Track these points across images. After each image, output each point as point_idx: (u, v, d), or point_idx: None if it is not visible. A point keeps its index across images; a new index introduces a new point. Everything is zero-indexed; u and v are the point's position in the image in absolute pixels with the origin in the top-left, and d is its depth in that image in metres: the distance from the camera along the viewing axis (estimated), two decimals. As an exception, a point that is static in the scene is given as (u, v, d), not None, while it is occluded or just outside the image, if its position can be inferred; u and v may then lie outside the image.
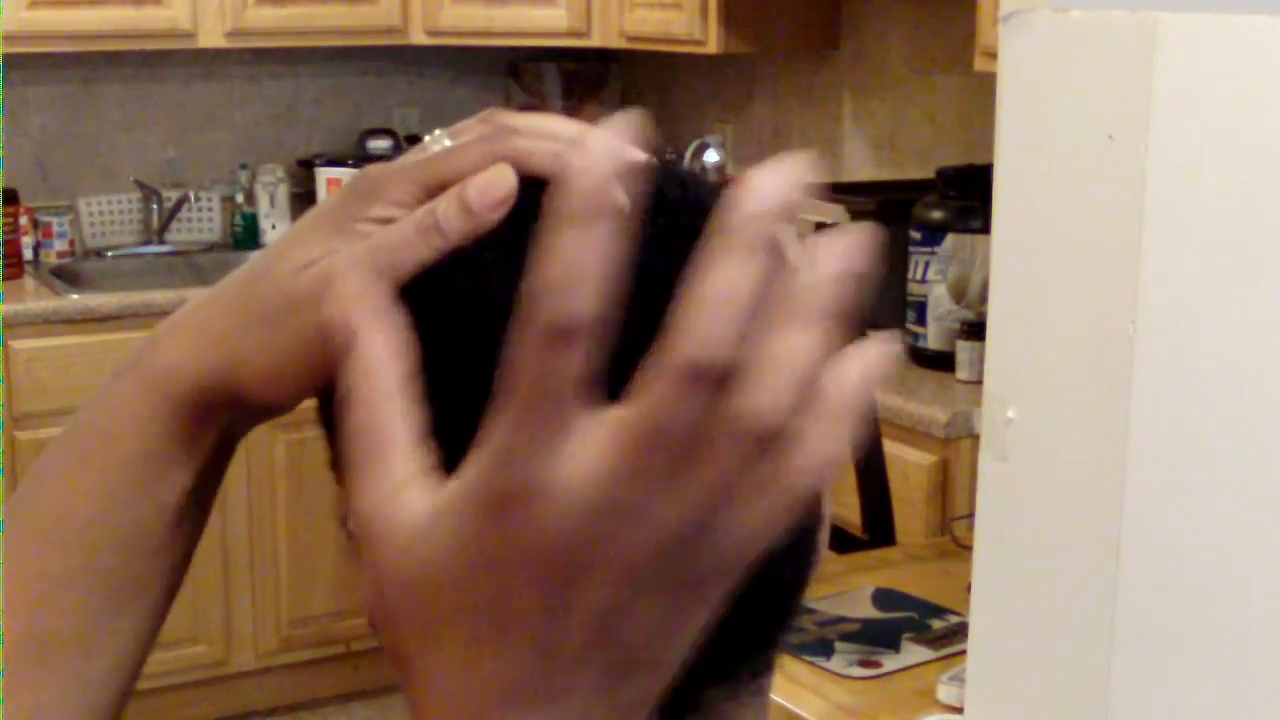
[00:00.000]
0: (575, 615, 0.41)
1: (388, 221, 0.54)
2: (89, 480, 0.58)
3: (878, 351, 0.43)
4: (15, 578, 0.57)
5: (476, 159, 0.54)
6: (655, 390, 0.39)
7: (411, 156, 0.57)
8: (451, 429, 0.47)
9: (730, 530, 0.41)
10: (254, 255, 0.58)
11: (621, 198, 0.39)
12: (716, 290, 0.39)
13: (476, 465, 0.41)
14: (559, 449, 0.39)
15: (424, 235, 0.52)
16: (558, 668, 0.41)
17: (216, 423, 0.57)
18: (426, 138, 0.59)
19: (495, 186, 0.52)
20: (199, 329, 0.57)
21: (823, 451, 0.40)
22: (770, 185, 0.41)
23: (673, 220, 0.53)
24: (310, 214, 0.57)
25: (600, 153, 0.39)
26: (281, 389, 0.55)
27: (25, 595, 0.57)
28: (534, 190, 0.54)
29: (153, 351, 0.58)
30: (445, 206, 0.52)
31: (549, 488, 0.39)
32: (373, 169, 0.56)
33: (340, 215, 0.55)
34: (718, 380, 0.39)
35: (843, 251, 0.42)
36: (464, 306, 0.52)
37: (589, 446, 0.39)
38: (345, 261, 0.53)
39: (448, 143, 0.57)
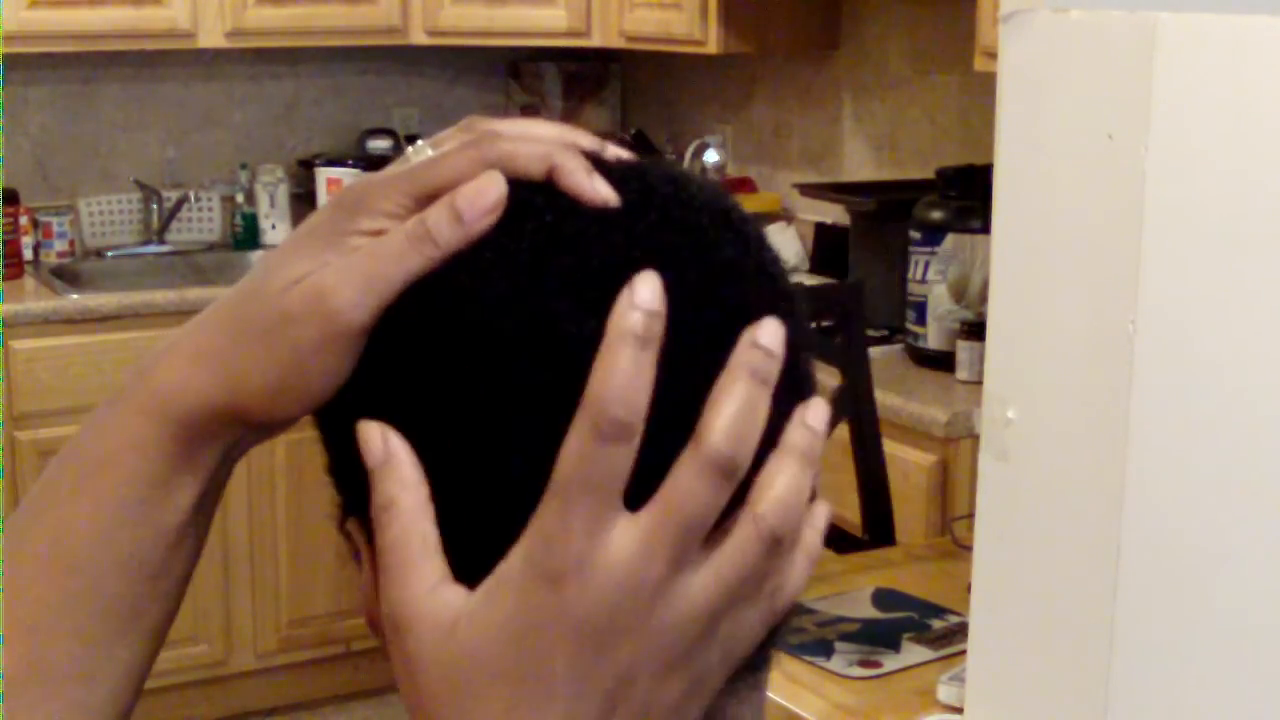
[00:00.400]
0: (602, 680, 0.49)
1: (377, 233, 0.54)
2: (88, 505, 0.57)
3: (824, 514, 0.55)
4: (14, 604, 0.57)
5: (463, 165, 0.54)
6: (684, 483, 0.48)
7: (396, 168, 0.57)
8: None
9: (738, 623, 0.51)
10: (249, 272, 0.58)
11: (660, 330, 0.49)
12: (733, 405, 0.49)
13: (524, 549, 0.49)
14: (601, 532, 0.48)
15: (416, 245, 0.52)
16: None
17: (216, 444, 0.57)
18: (409, 149, 0.59)
19: (485, 194, 0.52)
20: (195, 351, 0.56)
21: (802, 580, 0.52)
22: (765, 336, 0.50)
23: (664, 215, 0.53)
24: (300, 229, 0.57)
25: (648, 291, 0.48)
26: (280, 405, 0.55)
27: (25, 622, 0.57)
28: (521, 192, 0.54)
29: (150, 375, 0.57)
30: (436, 216, 0.52)
31: (594, 565, 0.48)
32: (358, 182, 0.56)
33: (329, 229, 0.55)
34: (735, 471, 0.49)
35: (816, 414, 0.53)
36: (465, 306, 0.52)
37: (628, 533, 0.48)
38: (336, 275, 0.53)
39: (430, 152, 0.57)
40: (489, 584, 0.49)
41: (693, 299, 0.51)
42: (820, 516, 0.53)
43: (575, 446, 0.47)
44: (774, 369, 0.50)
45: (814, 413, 0.53)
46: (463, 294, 0.52)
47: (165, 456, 0.57)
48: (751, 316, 0.52)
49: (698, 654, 0.50)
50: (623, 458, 0.48)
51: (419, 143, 0.59)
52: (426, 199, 0.54)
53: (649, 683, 0.49)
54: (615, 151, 0.56)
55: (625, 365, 0.47)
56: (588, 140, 0.56)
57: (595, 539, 0.48)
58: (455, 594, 0.50)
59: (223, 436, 0.57)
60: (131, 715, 0.60)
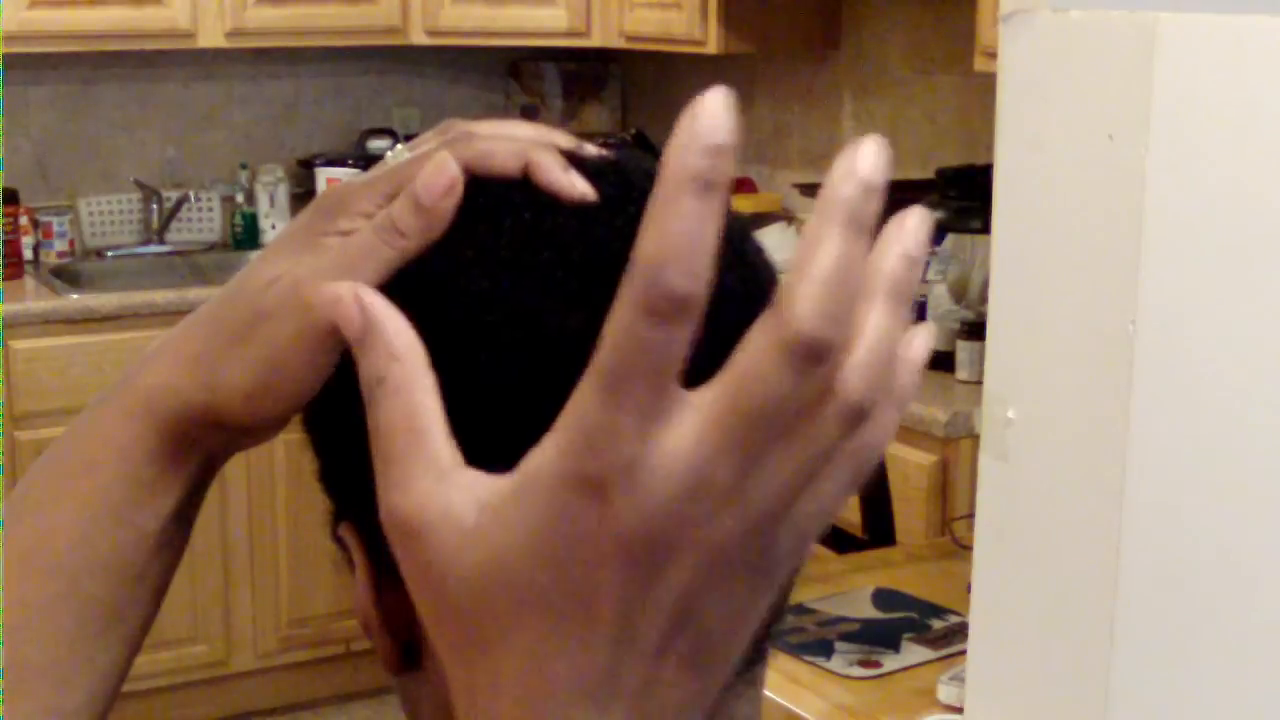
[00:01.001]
0: (659, 605, 0.40)
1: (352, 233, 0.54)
2: (71, 507, 0.57)
3: (925, 338, 0.44)
4: None
5: (438, 164, 0.54)
6: (761, 365, 0.38)
7: (374, 171, 0.57)
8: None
9: (809, 507, 0.41)
10: (234, 276, 0.58)
11: (731, 168, 0.38)
12: (825, 267, 0.38)
13: (560, 445, 0.39)
14: (655, 429, 0.38)
15: (383, 236, 0.52)
16: (637, 660, 0.40)
17: (198, 448, 0.57)
18: (388, 154, 0.59)
19: (440, 176, 0.52)
20: (177, 354, 0.57)
21: (890, 430, 0.42)
22: (866, 164, 0.40)
23: (643, 209, 0.53)
24: (281, 233, 0.57)
25: (711, 120, 0.39)
26: (260, 405, 0.55)
27: (4, 622, 0.57)
28: (499, 189, 0.54)
29: (134, 378, 0.57)
30: (398, 206, 0.52)
31: (644, 470, 0.38)
32: (337, 186, 0.56)
33: (307, 232, 0.55)
34: (825, 357, 0.38)
35: (912, 234, 0.42)
36: (448, 303, 0.52)
37: (687, 426, 0.38)
38: (309, 271, 0.53)
39: (408, 156, 0.57)
40: (518, 477, 0.40)
41: None
42: (919, 350, 0.43)
43: (624, 323, 0.38)
44: (874, 211, 0.40)
45: (912, 229, 0.42)
46: (443, 292, 0.52)
47: (149, 460, 0.57)
48: (730, 302, 0.52)
49: (770, 550, 0.41)
50: (682, 336, 0.38)
51: (398, 147, 0.59)
52: None
53: (713, 596, 0.40)
54: (592, 150, 0.56)
55: (684, 220, 0.38)
56: (564, 139, 0.56)
57: (648, 435, 0.38)
58: (474, 479, 0.42)
59: (205, 441, 0.57)
60: (107, 718, 0.60)
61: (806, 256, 0.38)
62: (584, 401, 0.39)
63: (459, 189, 0.52)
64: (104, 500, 0.57)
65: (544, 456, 0.40)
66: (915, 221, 0.42)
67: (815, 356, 0.38)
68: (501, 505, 0.41)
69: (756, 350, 0.38)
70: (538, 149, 0.54)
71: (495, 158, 0.54)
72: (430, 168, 0.52)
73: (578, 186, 0.53)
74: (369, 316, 0.44)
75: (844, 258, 0.38)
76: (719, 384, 0.39)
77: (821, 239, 0.38)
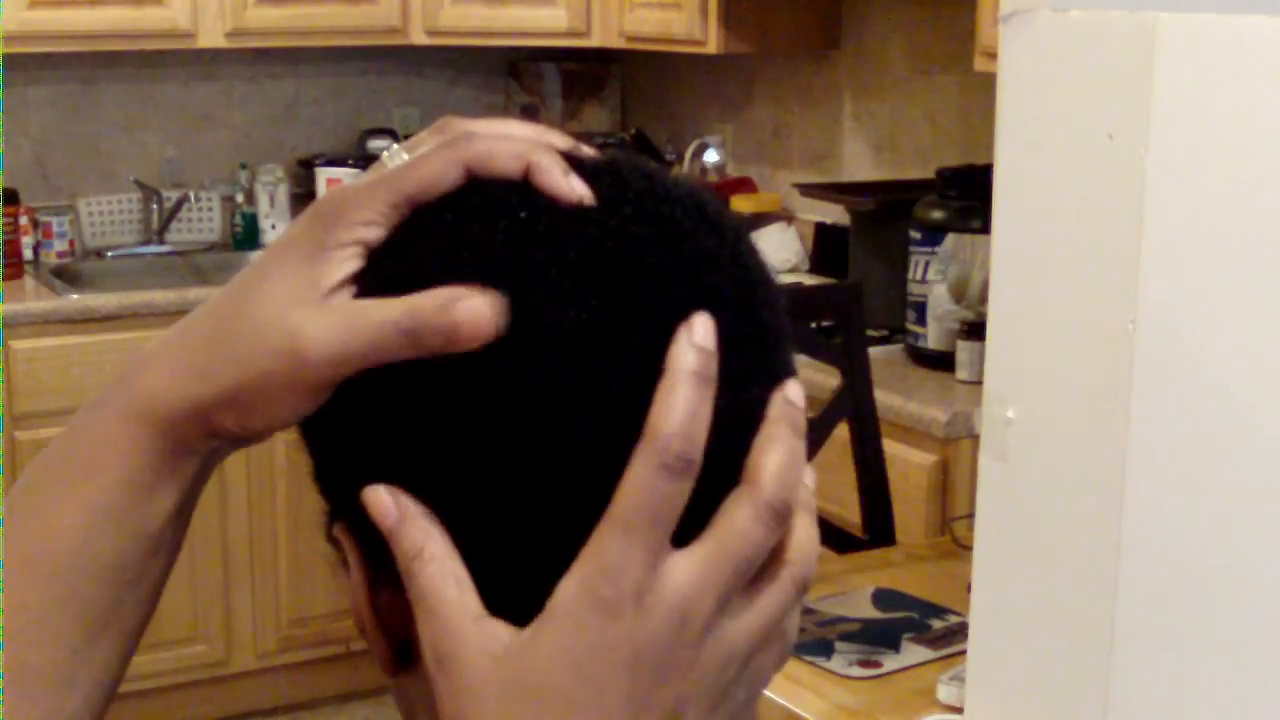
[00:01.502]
0: (654, 711, 0.50)
1: (356, 243, 0.54)
2: (70, 511, 0.57)
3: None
4: None
5: (439, 167, 0.54)
6: (744, 522, 0.51)
7: (372, 174, 0.56)
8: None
9: (763, 661, 0.53)
10: (235, 278, 0.57)
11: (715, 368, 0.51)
12: (787, 455, 0.52)
13: (583, 577, 0.50)
14: (660, 566, 0.50)
15: (398, 335, 0.52)
16: None
17: (196, 450, 0.57)
18: (384, 154, 0.58)
19: (485, 324, 0.51)
20: (177, 361, 0.57)
21: (815, 536, 0.56)
22: (801, 396, 0.54)
23: (639, 209, 0.53)
24: (280, 240, 0.56)
25: (703, 331, 0.50)
26: (252, 424, 0.56)
27: (4, 627, 0.57)
28: (494, 190, 0.54)
29: (132, 381, 0.57)
30: (431, 320, 0.51)
31: (654, 595, 0.49)
32: (335, 191, 0.56)
33: (309, 243, 0.55)
34: (788, 519, 0.52)
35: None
36: None
37: (686, 566, 0.50)
38: (318, 331, 0.53)
39: (406, 156, 0.57)
40: (541, 617, 0.50)
41: (666, 289, 0.52)
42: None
43: (640, 479, 0.49)
44: (805, 422, 0.54)
45: (803, 537, 0.54)
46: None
47: (147, 462, 0.57)
48: (726, 305, 0.52)
49: (733, 691, 0.52)
50: (683, 492, 0.49)
51: (394, 147, 0.59)
52: (405, 204, 0.54)
53: (697, 705, 0.51)
54: (588, 151, 0.56)
55: (687, 400, 0.49)
56: (561, 140, 0.56)
57: (655, 571, 0.49)
58: (500, 626, 0.51)
59: (202, 444, 0.57)
60: (104, 718, 0.60)
61: (764, 446, 0.52)
62: (603, 540, 0.49)
63: (492, 338, 0.51)
64: (104, 504, 0.57)
65: (568, 588, 0.50)
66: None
67: (782, 515, 0.51)
68: (528, 638, 0.50)
69: (738, 515, 0.51)
70: (538, 150, 0.54)
71: (496, 158, 0.54)
72: (477, 306, 0.51)
73: (577, 190, 0.53)
74: (403, 508, 0.52)
75: (792, 449, 0.52)
76: (709, 539, 0.50)
77: (775, 433, 0.52)
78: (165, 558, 0.59)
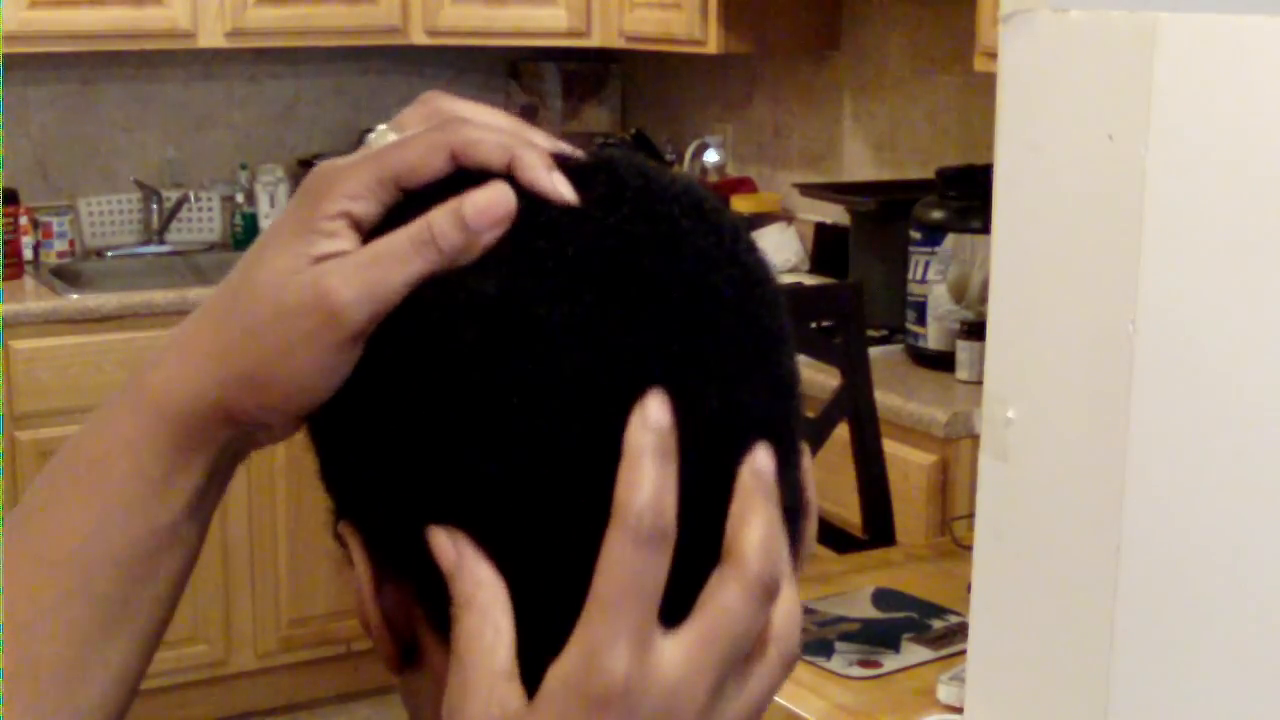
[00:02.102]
0: None
1: (343, 215, 0.54)
2: (82, 503, 0.57)
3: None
4: (8, 601, 0.57)
5: (425, 148, 0.54)
6: (732, 602, 0.49)
7: (360, 152, 0.57)
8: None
9: None
10: (233, 270, 0.58)
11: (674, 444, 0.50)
12: (766, 527, 0.50)
13: (574, 661, 0.48)
14: (647, 655, 0.48)
15: (419, 249, 0.52)
16: None
17: (209, 444, 0.57)
18: (371, 134, 0.59)
19: (496, 205, 0.52)
20: (189, 348, 0.56)
21: (798, 603, 0.54)
22: (770, 463, 0.52)
23: (636, 207, 0.53)
24: (275, 221, 0.57)
25: (658, 412, 0.49)
26: (267, 399, 0.55)
27: (17, 619, 0.57)
28: (478, 179, 0.54)
29: (143, 375, 0.57)
30: (442, 221, 0.52)
31: (642, 690, 0.48)
32: (323, 167, 0.56)
33: (299, 218, 0.55)
34: (775, 594, 0.50)
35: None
36: (439, 293, 0.52)
37: (675, 652, 0.48)
38: (338, 276, 0.53)
39: (393, 136, 0.57)
40: (534, 704, 0.49)
41: (663, 287, 0.52)
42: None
43: (616, 557, 0.48)
44: (776, 489, 0.52)
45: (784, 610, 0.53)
46: (435, 282, 0.52)
47: (159, 456, 0.56)
48: (725, 302, 0.52)
49: None
50: (662, 565, 0.48)
51: (381, 127, 0.59)
52: (391, 183, 0.54)
53: None
54: (568, 148, 0.56)
55: (651, 475, 0.48)
56: (542, 138, 0.56)
57: (642, 659, 0.48)
58: (513, 693, 0.50)
59: (216, 437, 0.57)
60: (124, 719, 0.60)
61: (743, 520, 0.50)
62: (588, 625, 0.48)
63: (510, 220, 0.52)
64: (115, 496, 0.57)
65: (556, 676, 0.48)
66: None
67: (770, 590, 0.50)
68: (529, 713, 0.49)
69: (724, 594, 0.49)
70: (524, 146, 0.54)
71: (482, 148, 0.54)
72: (489, 193, 0.52)
73: (560, 189, 0.53)
74: (461, 552, 0.51)
75: (770, 519, 0.51)
76: (697, 621, 0.49)
77: (752, 506, 0.50)
78: (181, 553, 0.59)
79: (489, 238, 0.52)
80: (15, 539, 0.58)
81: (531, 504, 0.51)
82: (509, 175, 0.53)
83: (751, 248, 0.56)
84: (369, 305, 0.52)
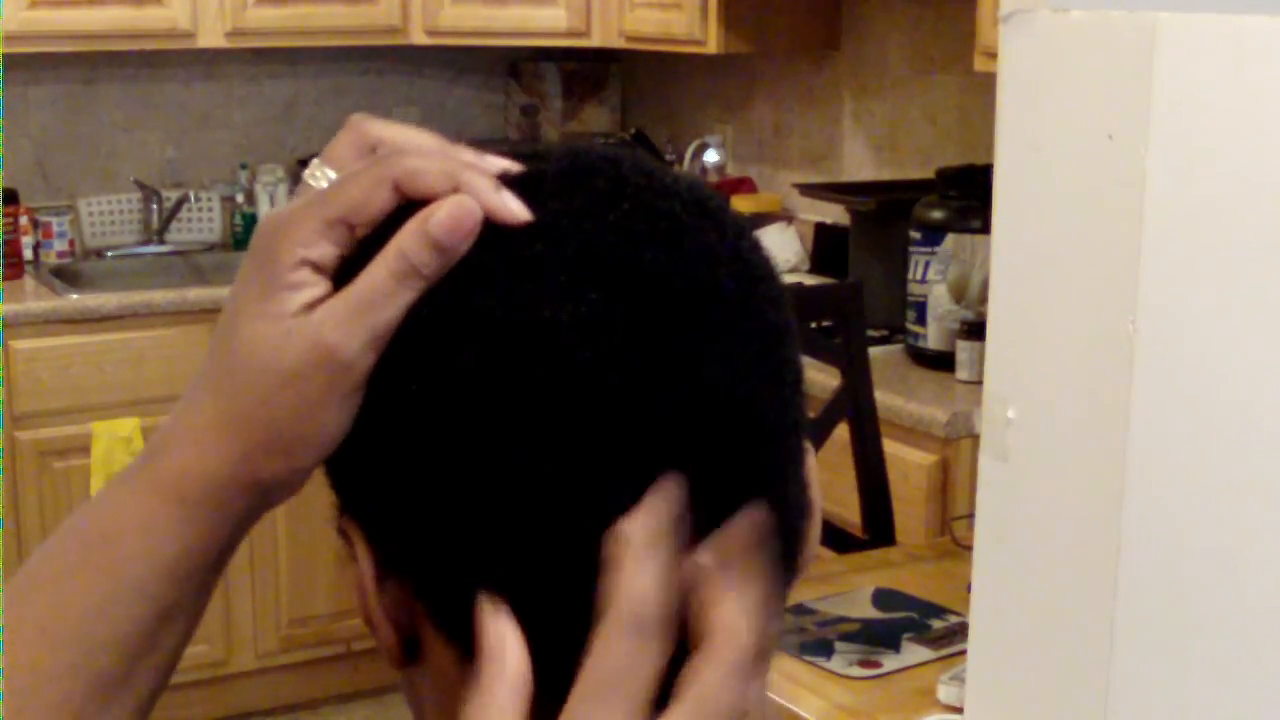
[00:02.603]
0: None
1: (304, 263, 0.54)
2: (88, 579, 0.57)
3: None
4: (7, 666, 0.56)
5: (368, 185, 0.54)
6: (715, 682, 0.48)
7: (301, 195, 0.56)
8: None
9: None
10: (214, 344, 0.57)
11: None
12: (748, 600, 0.49)
13: None
14: None
15: (402, 280, 0.52)
16: None
17: (232, 517, 0.57)
18: (305, 172, 0.58)
19: (462, 218, 0.52)
20: (200, 430, 0.56)
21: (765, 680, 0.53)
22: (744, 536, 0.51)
23: (637, 204, 0.53)
24: (235, 287, 0.56)
25: (665, 503, 0.49)
26: (297, 460, 0.55)
27: (14, 685, 0.56)
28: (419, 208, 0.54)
29: (159, 457, 0.57)
30: (415, 247, 0.52)
31: None
32: (267, 222, 0.55)
33: (262, 279, 0.54)
34: (764, 663, 0.50)
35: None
36: (443, 295, 0.53)
37: None
38: (334, 328, 0.53)
39: (330, 172, 0.57)
40: None
41: (666, 284, 0.52)
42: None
43: (613, 646, 0.47)
44: (754, 562, 0.51)
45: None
46: (440, 285, 0.53)
47: (175, 538, 0.56)
48: (727, 301, 0.52)
49: None
50: (657, 658, 0.48)
51: (315, 161, 0.58)
52: (339, 224, 0.54)
53: None
54: (500, 163, 0.56)
55: (653, 568, 0.48)
56: (474, 157, 0.56)
57: None
58: None
59: (237, 509, 0.57)
60: None
61: (715, 599, 0.49)
62: (580, 712, 0.47)
63: (479, 227, 0.52)
64: (124, 575, 0.56)
65: None
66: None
67: (758, 662, 0.49)
68: None
69: (709, 675, 0.48)
70: (466, 170, 0.54)
71: (425, 178, 0.54)
72: (453, 209, 0.52)
73: (511, 207, 0.53)
74: (501, 625, 0.50)
75: (752, 591, 0.49)
76: (684, 705, 0.48)
77: (729, 584, 0.49)
78: (185, 626, 0.58)
79: (462, 251, 0.52)
80: (20, 606, 0.57)
81: (535, 500, 0.51)
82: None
83: (755, 245, 0.56)
84: (373, 349, 0.53)
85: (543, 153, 0.57)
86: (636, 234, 0.52)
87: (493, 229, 0.53)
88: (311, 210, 0.54)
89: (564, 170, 0.55)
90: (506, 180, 0.54)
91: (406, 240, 0.52)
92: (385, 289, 0.52)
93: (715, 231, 0.54)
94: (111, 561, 0.56)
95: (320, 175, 0.58)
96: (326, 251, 0.54)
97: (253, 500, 0.57)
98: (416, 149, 0.55)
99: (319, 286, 0.54)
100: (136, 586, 0.56)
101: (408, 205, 0.54)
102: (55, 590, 0.57)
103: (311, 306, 0.54)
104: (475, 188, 0.53)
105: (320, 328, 0.53)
